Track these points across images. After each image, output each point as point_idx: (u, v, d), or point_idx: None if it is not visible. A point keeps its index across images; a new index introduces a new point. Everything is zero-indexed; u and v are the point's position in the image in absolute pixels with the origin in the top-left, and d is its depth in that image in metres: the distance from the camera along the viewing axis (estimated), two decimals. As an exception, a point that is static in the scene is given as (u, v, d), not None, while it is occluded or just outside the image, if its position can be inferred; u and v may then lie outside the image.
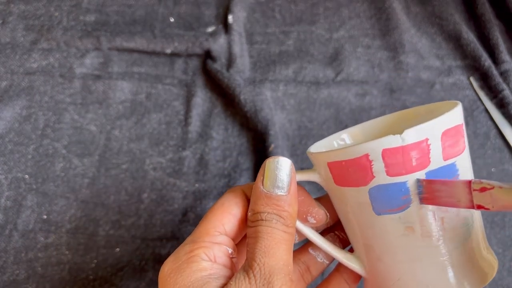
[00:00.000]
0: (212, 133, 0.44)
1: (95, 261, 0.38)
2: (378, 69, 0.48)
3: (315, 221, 0.24)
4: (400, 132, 0.20)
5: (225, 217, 0.23)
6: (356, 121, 0.45)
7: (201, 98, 0.46)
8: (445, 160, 0.21)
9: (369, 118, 0.45)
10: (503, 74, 0.47)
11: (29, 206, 0.40)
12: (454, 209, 0.22)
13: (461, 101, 0.45)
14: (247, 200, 0.24)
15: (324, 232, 0.29)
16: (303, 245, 0.29)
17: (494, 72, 0.46)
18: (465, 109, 0.45)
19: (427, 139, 0.20)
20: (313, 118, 0.45)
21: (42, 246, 0.38)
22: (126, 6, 0.52)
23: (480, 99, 0.46)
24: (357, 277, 0.28)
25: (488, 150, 0.43)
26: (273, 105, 0.45)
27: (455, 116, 0.22)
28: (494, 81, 0.46)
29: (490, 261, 0.24)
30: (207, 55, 0.48)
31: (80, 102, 0.45)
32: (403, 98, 0.46)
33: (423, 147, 0.21)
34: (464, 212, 0.22)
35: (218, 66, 0.47)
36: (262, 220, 0.21)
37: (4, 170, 0.41)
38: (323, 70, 0.48)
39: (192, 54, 0.49)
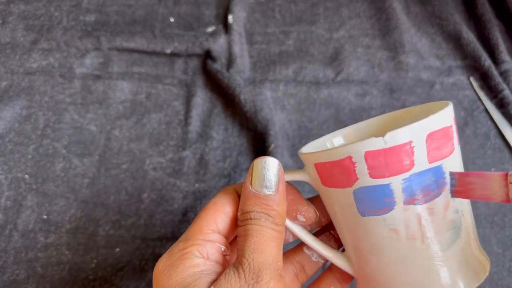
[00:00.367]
0: (212, 133, 0.44)
1: (95, 261, 0.38)
2: (378, 69, 0.48)
3: (304, 219, 0.25)
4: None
5: (217, 215, 0.23)
6: (356, 121, 0.45)
7: (201, 98, 0.46)
8: (430, 162, 0.21)
9: (369, 118, 0.45)
10: (503, 74, 0.47)
11: (29, 206, 0.40)
12: (440, 213, 0.21)
13: (461, 101, 0.46)
14: (240, 199, 0.24)
15: (319, 232, 0.29)
16: (298, 245, 0.29)
17: (494, 72, 0.46)
18: (465, 109, 0.45)
19: (410, 142, 0.20)
20: (313, 118, 0.45)
21: (42, 246, 0.38)
22: (126, 6, 0.52)
23: (480, 99, 0.46)
24: (350, 277, 0.27)
25: (488, 150, 0.43)
26: (273, 105, 0.45)
27: (442, 118, 0.22)
28: (494, 81, 0.46)
29: (482, 262, 0.23)
30: (207, 55, 0.48)
31: (80, 102, 0.45)
32: (403, 98, 0.46)
33: (406, 150, 0.20)
34: (451, 215, 0.22)
35: (218, 66, 0.47)
36: (251, 219, 0.22)
37: (4, 170, 0.41)
38: (323, 70, 0.48)
39: (192, 54, 0.49)
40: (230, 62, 0.47)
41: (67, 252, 0.38)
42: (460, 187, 0.21)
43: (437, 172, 0.21)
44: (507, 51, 0.48)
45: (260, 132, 0.43)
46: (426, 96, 0.46)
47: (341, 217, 0.24)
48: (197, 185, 0.42)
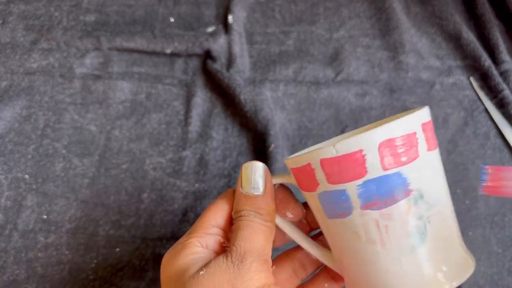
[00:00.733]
0: (212, 133, 0.44)
1: (95, 261, 0.38)
2: (378, 69, 0.48)
3: (292, 216, 0.27)
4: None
5: (217, 213, 0.26)
6: (356, 121, 0.45)
7: (201, 98, 0.46)
8: (385, 170, 0.21)
9: (369, 118, 0.45)
10: (503, 74, 0.47)
11: (29, 206, 0.40)
12: (399, 219, 0.22)
13: (461, 101, 0.46)
14: None
15: (320, 232, 0.29)
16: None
17: (494, 72, 0.46)
18: (465, 109, 0.45)
19: (361, 150, 0.21)
20: (313, 118, 0.45)
21: (42, 246, 0.38)
22: (126, 6, 0.52)
23: (480, 99, 0.46)
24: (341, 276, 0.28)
25: (488, 150, 0.43)
26: (273, 105, 0.45)
27: (400, 125, 0.22)
28: (494, 81, 0.46)
29: (449, 271, 0.23)
30: (207, 55, 0.48)
31: (80, 102, 0.45)
32: (403, 98, 0.46)
33: (357, 158, 0.21)
34: (414, 221, 0.22)
35: (218, 66, 0.47)
36: (243, 216, 0.25)
37: (4, 170, 0.41)
38: (323, 70, 0.48)
39: (192, 54, 0.49)
40: (230, 62, 0.47)
41: (67, 252, 0.38)
42: (492, 182, 0.20)
43: (395, 178, 0.21)
44: (507, 51, 0.48)
45: (260, 132, 0.43)
46: (426, 96, 0.46)
47: (317, 219, 0.25)
48: (197, 185, 0.42)
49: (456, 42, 0.49)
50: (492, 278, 0.38)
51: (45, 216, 0.40)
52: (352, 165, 0.21)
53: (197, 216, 0.40)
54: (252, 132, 0.44)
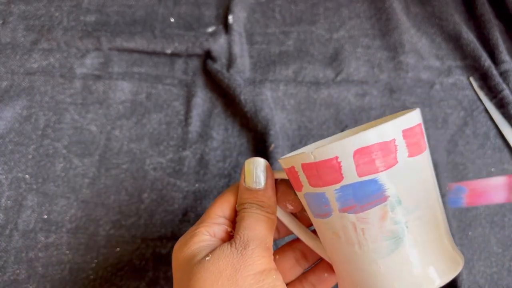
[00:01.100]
0: (212, 133, 0.44)
1: (96, 261, 0.38)
2: (378, 69, 0.48)
3: (292, 207, 0.28)
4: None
5: (224, 205, 0.27)
6: (356, 121, 0.45)
7: (201, 98, 0.46)
8: (360, 176, 0.22)
9: (369, 118, 0.45)
10: (503, 74, 0.47)
11: (29, 206, 0.40)
12: (376, 223, 0.22)
13: (461, 101, 0.46)
14: None
15: None
16: None
17: (494, 72, 0.46)
18: (465, 109, 0.45)
19: (336, 157, 0.22)
20: (313, 118, 0.45)
21: (43, 246, 0.38)
22: (126, 6, 0.52)
23: (480, 99, 0.46)
24: None
25: (488, 150, 0.43)
26: (273, 105, 0.45)
27: (375, 134, 0.22)
28: (494, 81, 0.46)
29: (429, 275, 0.23)
30: (207, 55, 0.48)
31: (81, 102, 0.45)
32: (403, 98, 0.46)
33: (333, 164, 0.22)
34: (390, 226, 0.22)
35: (218, 66, 0.47)
36: (246, 208, 0.26)
37: (4, 170, 0.42)
38: (323, 70, 0.48)
39: (192, 54, 0.49)
40: (230, 62, 0.47)
41: (67, 252, 0.38)
42: (471, 196, 0.21)
43: (371, 185, 0.22)
44: (507, 51, 0.48)
45: (260, 132, 0.43)
46: (426, 96, 0.46)
47: (308, 215, 0.27)
48: (197, 185, 0.42)
49: (456, 42, 0.49)
50: (492, 278, 0.38)
51: (45, 216, 0.40)
52: (328, 170, 0.22)
53: (198, 216, 0.40)
54: (252, 132, 0.44)
